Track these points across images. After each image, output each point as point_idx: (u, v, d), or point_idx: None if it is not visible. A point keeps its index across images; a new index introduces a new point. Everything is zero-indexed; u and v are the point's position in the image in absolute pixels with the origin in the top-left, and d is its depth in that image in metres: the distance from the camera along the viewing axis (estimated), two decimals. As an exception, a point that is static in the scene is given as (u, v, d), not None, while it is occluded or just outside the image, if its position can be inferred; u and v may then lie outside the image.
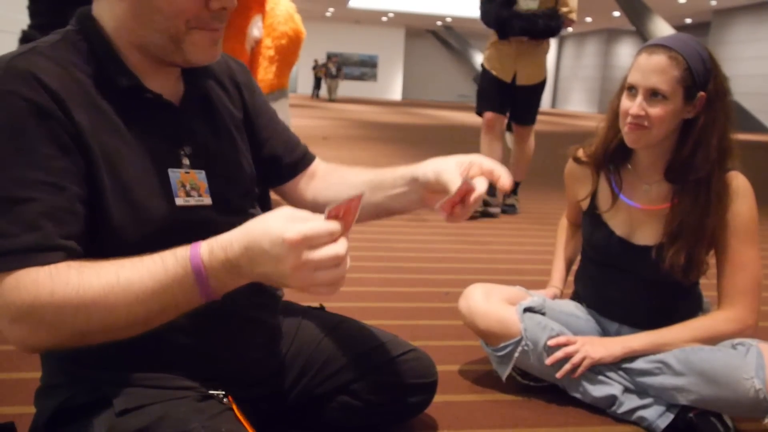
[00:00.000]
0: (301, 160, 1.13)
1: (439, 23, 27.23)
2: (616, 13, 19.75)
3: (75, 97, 0.78)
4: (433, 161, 1.00)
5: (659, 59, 1.30)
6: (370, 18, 26.16)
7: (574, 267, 1.68)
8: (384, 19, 26.47)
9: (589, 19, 23.15)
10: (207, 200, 0.89)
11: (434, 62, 30.31)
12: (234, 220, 0.80)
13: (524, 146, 3.72)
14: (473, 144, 3.70)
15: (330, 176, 1.13)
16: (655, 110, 1.30)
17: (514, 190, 3.81)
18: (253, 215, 0.88)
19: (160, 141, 0.86)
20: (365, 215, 1.05)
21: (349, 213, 0.72)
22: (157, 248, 0.75)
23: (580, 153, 1.52)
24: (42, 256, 0.71)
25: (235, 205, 0.94)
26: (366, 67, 28.66)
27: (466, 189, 0.91)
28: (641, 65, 1.32)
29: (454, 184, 0.92)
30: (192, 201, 0.87)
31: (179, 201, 0.85)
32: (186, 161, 0.88)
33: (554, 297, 1.61)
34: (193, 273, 0.71)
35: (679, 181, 1.37)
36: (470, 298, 1.48)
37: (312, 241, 0.68)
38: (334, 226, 0.70)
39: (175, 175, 0.85)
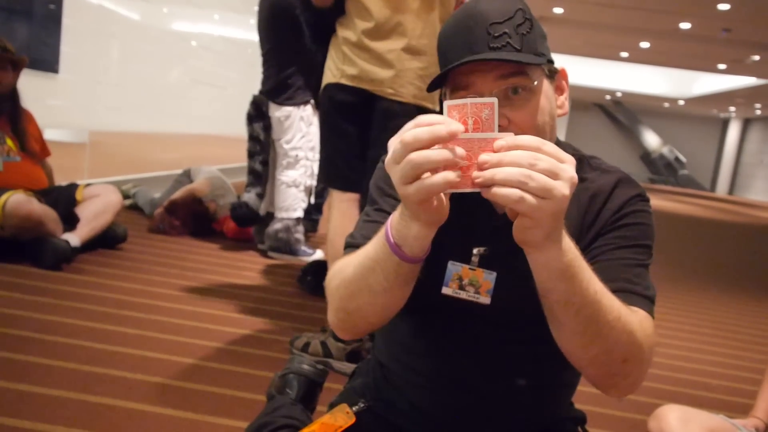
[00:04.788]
0: None
1: (608, 97, 26.44)
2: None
3: None
4: None
5: None
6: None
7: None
8: (550, 90, 26.30)
9: (781, 103, 21.17)
10: (484, 299, 0.91)
11: (599, 137, 29.30)
12: (506, 329, 0.94)
13: None
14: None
15: None
16: None
17: None
18: (534, 336, 0.91)
19: (462, 238, 0.96)
20: None
21: (472, 116, 0.70)
22: (428, 322, 0.98)
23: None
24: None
25: (514, 316, 0.95)
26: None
27: None
28: None
29: None
30: (463, 294, 0.92)
31: (446, 290, 0.92)
32: (475, 259, 0.95)
33: (757, 430, 1.40)
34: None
35: None
36: (664, 421, 1.33)
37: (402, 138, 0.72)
38: (427, 123, 0.70)
39: (455, 267, 0.93)
